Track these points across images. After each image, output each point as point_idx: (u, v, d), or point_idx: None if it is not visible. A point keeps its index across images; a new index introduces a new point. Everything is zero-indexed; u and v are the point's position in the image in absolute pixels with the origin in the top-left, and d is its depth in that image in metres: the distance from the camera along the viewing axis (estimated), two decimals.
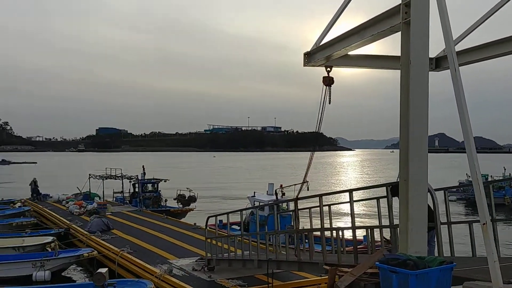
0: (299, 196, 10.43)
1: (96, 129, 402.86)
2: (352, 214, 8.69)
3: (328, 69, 9.88)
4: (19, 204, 31.04)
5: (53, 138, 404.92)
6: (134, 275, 15.80)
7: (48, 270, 16.85)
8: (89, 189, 32.50)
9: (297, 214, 10.47)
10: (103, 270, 12.37)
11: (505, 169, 52.71)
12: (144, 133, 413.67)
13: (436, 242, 7.19)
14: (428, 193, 6.97)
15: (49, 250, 18.41)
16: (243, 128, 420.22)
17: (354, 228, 8.69)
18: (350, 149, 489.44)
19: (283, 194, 23.56)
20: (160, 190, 32.67)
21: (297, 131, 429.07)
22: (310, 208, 10.77)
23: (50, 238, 19.28)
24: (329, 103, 9.91)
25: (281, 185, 24.08)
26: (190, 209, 31.03)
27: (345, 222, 25.45)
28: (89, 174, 32.84)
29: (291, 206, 21.49)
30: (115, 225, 23.57)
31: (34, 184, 34.69)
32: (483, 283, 6.00)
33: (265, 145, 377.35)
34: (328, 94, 9.82)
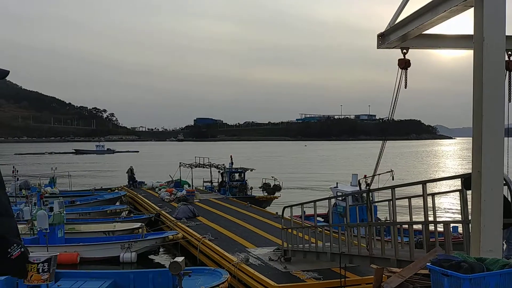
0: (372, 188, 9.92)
1: (194, 120, 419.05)
2: (425, 207, 8.06)
3: (404, 51, 9.28)
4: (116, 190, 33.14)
5: (155, 128, 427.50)
6: (214, 262, 16.12)
7: (135, 251, 17.73)
8: (180, 177, 33.76)
9: (369, 206, 9.95)
10: (180, 259, 12.64)
11: None
12: (238, 123, 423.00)
13: None
14: (505, 186, 6.22)
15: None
16: (335, 117, 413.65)
17: (426, 222, 8.04)
18: (450, 137, 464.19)
19: (367, 184, 22.72)
20: (247, 179, 33.09)
21: (392, 119, 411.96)
22: (389, 200, 10.16)
23: (138, 224, 20.26)
24: (405, 87, 9.34)
25: (365, 176, 23.25)
26: (275, 197, 31.10)
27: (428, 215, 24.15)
28: (180, 163, 34.12)
29: (376, 197, 20.67)
30: (201, 212, 24.26)
31: (130, 172, 36.75)
32: None
33: (358, 133, 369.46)
34: (404, 78, 9.23)
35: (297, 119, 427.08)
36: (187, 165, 33.35)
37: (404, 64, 9.20)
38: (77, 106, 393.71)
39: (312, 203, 13.38)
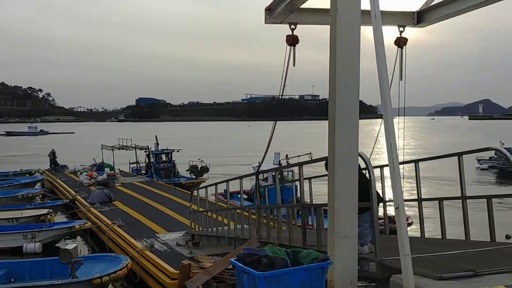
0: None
1: (136, 100, 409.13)
2: (301, 188, 7.75)
3: (292, 26, 8.84)
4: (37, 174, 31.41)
5: (94, 108, 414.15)
6: (121, 249, 15.45)
7: (39, 241, 16.73)
8: (102, 160, 32.43)
9: (258, 188, 9.60)
10: (71, 246, 11.90)
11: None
12: (183, 103, 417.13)
13: (372, 224, 6.15)
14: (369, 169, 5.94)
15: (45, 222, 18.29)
16: (280, 97, 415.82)
17: (303, 206, 7.74)
18: None
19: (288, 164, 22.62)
20: (174, 160, 32.23)
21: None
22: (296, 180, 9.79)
23: (45, 211, 19.13)
24: (294, 65, 8.94)
25: (286, 155, 23.15)
26: (203, 180, 30.54)
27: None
28: (102, 145, 32.75)
29: (296, 176, 20.49)
30: (121, 197, 23.38)
31: (52, 155, 35.02)
32: (417, 278, 5.01)
33: (302, 113, 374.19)
34: (292, 55, 8.82)
35: (242, 100, 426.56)
36: (108, 147, 32.04)
37: (292, 40, 8.78)
38: (11, 85, 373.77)
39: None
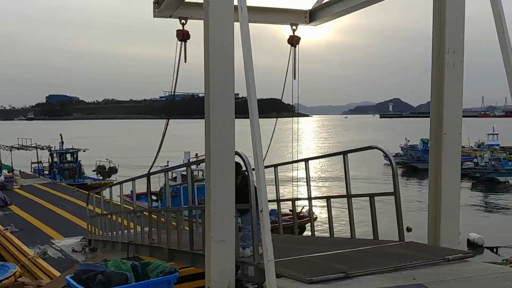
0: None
1: (46, 97, 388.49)
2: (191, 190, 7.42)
3: (183, 21, 8.49)
4: None
5: (1, 106, 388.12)
6: (13, 256, 14.32)
7: None
8: (0, 160, 30.15)
9: (149, 190, 9.16)
10: None
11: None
12: (97, 100, 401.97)
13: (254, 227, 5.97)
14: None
15: None
16: (200, 95, 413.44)
17: (190, 208, 7.42)
18: (307, 115, 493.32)
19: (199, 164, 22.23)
20: (80, 160, 30.66)
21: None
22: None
23: None
24: (185, 61, 8.61)
25: (196, 154, 22.77)
26: (111, 182, 29.29)
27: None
28: None
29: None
30: (18, 200, 21.83)
31: None
32: (289, 282, 4.88)
33: None
34: (184, 51, 8.49)
35: (160, 97, 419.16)
36: (6, 148, 29.83)
37: (182, 35, 8.44)
38: None
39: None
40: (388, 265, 5.09)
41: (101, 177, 29.82)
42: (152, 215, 10.65)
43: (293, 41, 9.21)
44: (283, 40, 9.48)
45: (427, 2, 6.09)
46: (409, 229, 19.98)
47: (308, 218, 12.86)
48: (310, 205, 8.48)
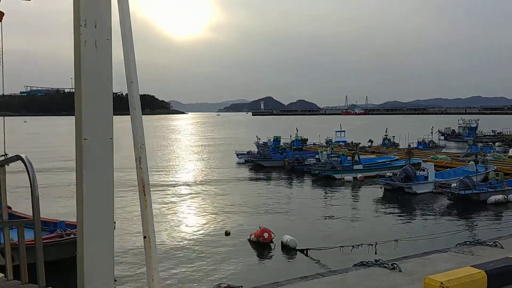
0: None
1: None
2: None
3: None
4: None
5: None
6: None
7: None
8: None
9: None
10: None
11: (297, 130, 54.57)
12: None
13: None
14: None
15: None
16: (65, 90, 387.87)
17: None
18: (183, 112, 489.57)
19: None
20: None
21: (126, 94, 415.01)
22: None
23: None
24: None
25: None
26: None
27: None
28: None
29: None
30: None
31: None
32: None
33: None
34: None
35: (21, 92, 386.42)
36: None
37: None
38: None
39: None
40: None
41: None
42: None
43: None
44: None
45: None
46: (227, 233, 18.83)
47: None
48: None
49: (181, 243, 17.62)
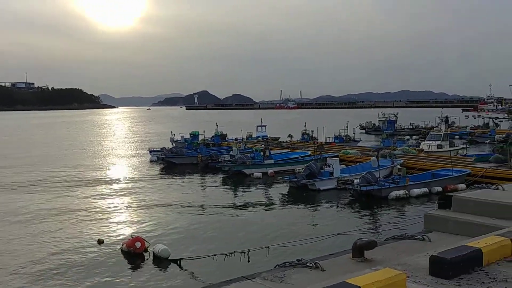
0: None
1: None
2: None
3: None
4: None
5: None
6: None
7: None
8: None
9: None
10: None
11: (217, 125, 53.05)
12: None
13: None
14: None
15: None
16: None
17: None
18: (113, 107, 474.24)
19: None
20: None
21: (52, 88, 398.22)
22: None
23: None
24: None
25: None
26: None
27: None
28: None
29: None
30: None
31: None
32: None
33: (15, 103, 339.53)
34: None
35: None
36: None
37: None
38: None
39: None
40: None
41: None
42: None
43: None
44: None
45: None
46: (100, 241, 17.19)
47: None
48: None
49: (51, 250, 15.90)
